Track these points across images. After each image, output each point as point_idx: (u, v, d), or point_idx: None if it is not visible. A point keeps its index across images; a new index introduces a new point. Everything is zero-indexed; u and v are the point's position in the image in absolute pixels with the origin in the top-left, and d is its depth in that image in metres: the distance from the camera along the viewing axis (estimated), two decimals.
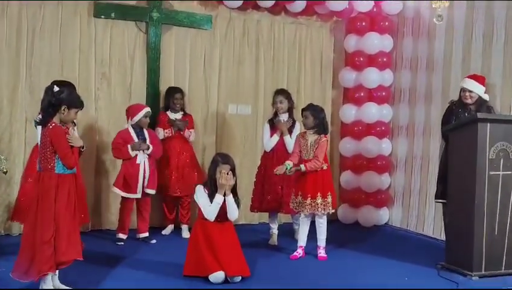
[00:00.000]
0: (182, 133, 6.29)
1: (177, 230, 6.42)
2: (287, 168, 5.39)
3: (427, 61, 6.94)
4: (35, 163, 5.02)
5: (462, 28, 6.38)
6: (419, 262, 5.45)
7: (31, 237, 4.03)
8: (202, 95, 6.92)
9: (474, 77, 5.43)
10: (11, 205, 5.74)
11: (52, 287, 4.08)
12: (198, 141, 6.84)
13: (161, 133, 6.24)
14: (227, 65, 7.04)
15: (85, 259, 4.20)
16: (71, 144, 4.07)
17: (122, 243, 5.86)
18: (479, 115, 4.94)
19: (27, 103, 5.99)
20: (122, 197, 5.95)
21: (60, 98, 4.04)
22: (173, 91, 6.36)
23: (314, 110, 5.53)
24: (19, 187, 5.49)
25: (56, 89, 4.07)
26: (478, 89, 5.35)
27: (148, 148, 5.86)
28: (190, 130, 6.35)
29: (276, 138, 6.02)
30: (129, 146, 5.81)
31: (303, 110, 5.60)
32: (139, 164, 5.85)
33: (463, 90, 5.40)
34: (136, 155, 5.84)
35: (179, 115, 6.34)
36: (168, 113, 6.33)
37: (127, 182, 5.80)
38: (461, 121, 5.22)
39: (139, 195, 5.88)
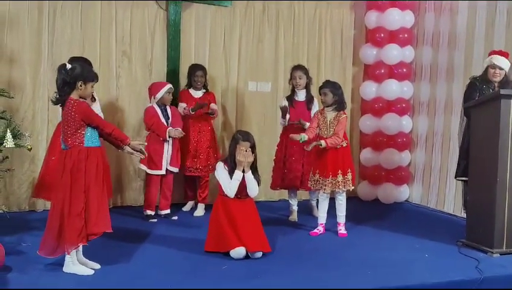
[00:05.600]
0: (212, 115, 6.25)
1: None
2: (301, 139, 5.33)
3: (449, 37, 6.85)
4: (58, 141, 5.10)
5: (485, 2, 6.27)
6: (439, 239, 5.45)
7: (58, 214, 4.08)
8: (222, 72, 6.92)
9: (502, 53, 5.31)
10: (35, 181, 5.84)
11: (77, 262, 4.16)
12: (218, 118, 6.86)
13: (181, 106, 6.21)
14: (247, 42, 7.02)
15: (108, 234, 4.26)
16: None
17: (155, 220, 5.93)
18: (502, 91, 4.88)
19: (49, 81, 6.02)
20: (146, 174, 6.01)
21: (75, 75, 4.06)
22: (194, 68, 6.34)
23: (333, 87, 5.49)
24: (42, 164, 5.56)
25: (69, 66, 4.08)
26: (507, 66, 5.25)
27: (181, 135, 5.92)
28: (214, 106, 6.32)
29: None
30: (167, 131, 5.82)
31: (321, 87, 5.56)
32: (163, 141, 5.90)
33: (492, 66, 5.27)
34: None
35: (200, 93, 6.34)
36: (191, 90, 6.33)
37: (152, 159, 5.84)
38: (484, 98, 5.16)
39: (163, 172, 5.93)
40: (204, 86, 6.38)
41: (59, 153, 4.42)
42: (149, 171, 5.92)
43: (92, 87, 4.20)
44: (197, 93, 6.32)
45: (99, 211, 4.12)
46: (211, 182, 6.39)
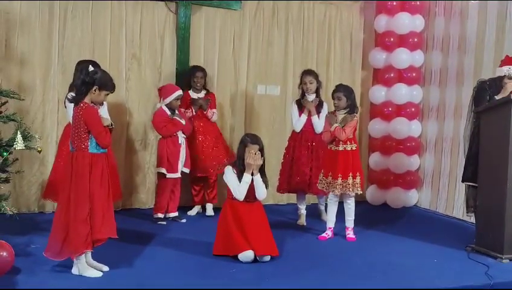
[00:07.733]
0: (204, 112, 6.28)
1: (204, 211, 6.47)
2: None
3: (459, 41, 6.82)
4: (66, 143, 5.11)
5: (496, 7, 6.24)
6: (448, 244, 5.43)
7: (63, 217, 4.10)
8: (231, 75, 6.93)
9: None
10: (44, 183, 5.86)
11: (85, 265, 4.17)
12: (227, 121, 6.88)
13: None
14: (256, 45, 7.03)
15: (117, 237, 4.28)
16: None
17: (164, 223, 5.93)
18: None
19: (59, 83, 6.07)
20: (160, 177, 5.99)
21: (94, 78, 4.08)
22: (194, 70, 6.36)
23: (347, 91, 5.50)
24: (52, 166, 5.59)
25: (91, 68, 4.12)
26: None
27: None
28: (212, 110, 6.33)
29: (304, 117, 6.02)
30: (174, 117, 5.86)
31: (334, 91, 5.55)
32: (180, 144, 5.92)
33: (510, 77, 5.11)
34: (178, 135, 5.90)
35: (201, 94, 6.33)
36: (190, 92, 6.32)
37: (170, 162, 5.86)
38: (494, 102, 5.13)
39: (179, 174, 5.95)
40: (204, 87, 6.39)
41: (66, 154, 4.44)
42: (168, 174, 5.90)
43: (106, 96, 4.21)
44: (198, 95, 6.33)
45: (104, 217, 4.13)
46: (218, 182, 6.40)
